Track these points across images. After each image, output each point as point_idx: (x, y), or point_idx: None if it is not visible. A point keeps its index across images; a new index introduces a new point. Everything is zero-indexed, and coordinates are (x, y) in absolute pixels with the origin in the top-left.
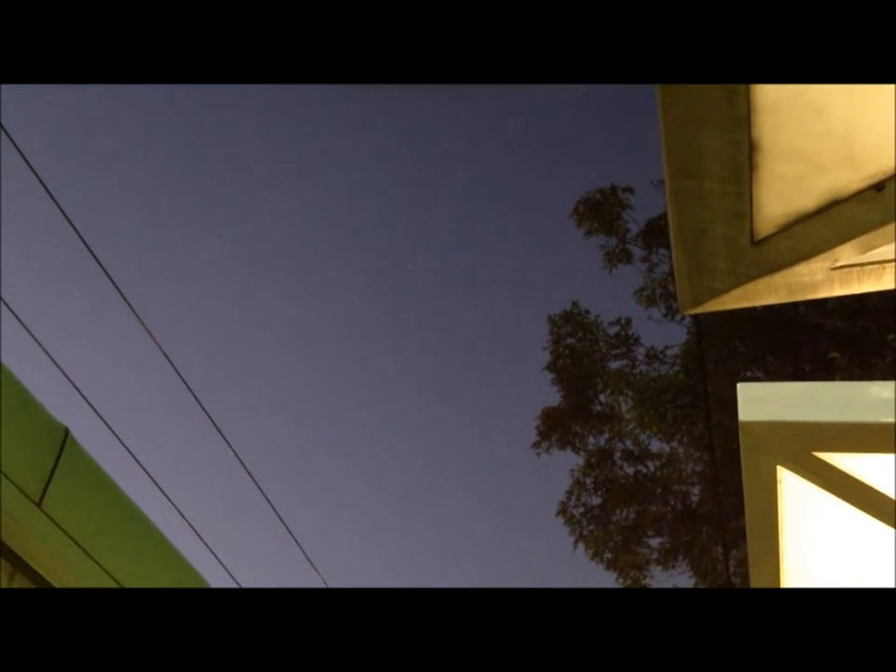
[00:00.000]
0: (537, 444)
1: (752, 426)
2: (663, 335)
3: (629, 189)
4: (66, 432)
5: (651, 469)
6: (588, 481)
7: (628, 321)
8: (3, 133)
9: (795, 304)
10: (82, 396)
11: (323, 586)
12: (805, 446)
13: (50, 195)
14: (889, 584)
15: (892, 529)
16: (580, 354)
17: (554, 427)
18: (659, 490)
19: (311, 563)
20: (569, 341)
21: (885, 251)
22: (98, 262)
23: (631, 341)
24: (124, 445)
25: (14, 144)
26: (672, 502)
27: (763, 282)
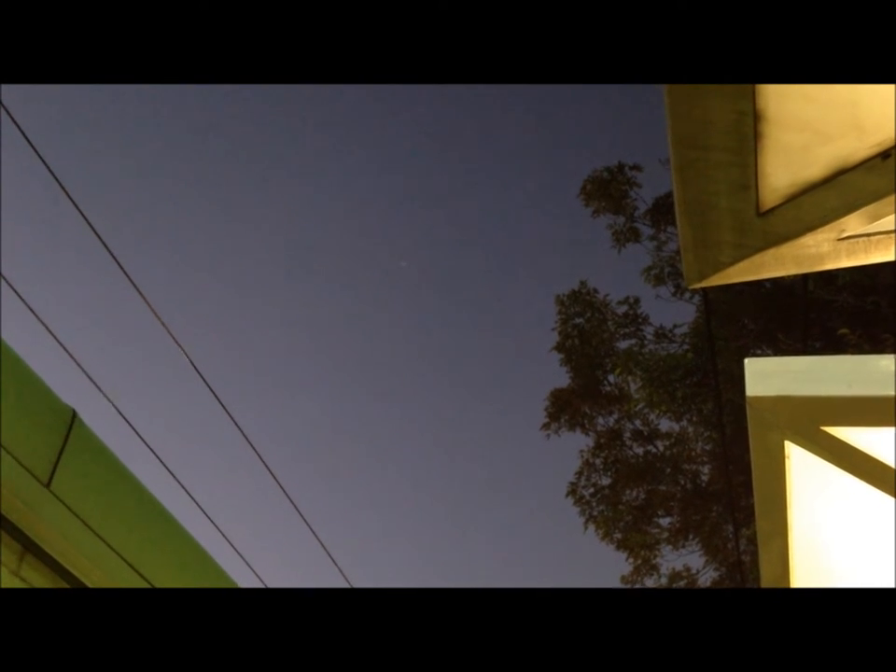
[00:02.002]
0: (546, 426)
1: (760, 400)
2: (671, 314)
3: (637, 167)
4: (73, 414)
5: (661, 448)
6: (598, 461)
7: (636, 300)
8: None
9: (805, 280)
10: (90, 379)
11: (325, 555)
12: (812, 420)
13: (58, 182)
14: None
15: None
16: (588, 334)
17: (563, 408)
18: (669, 469)
19: (317, 538)
20: (578, 321)
21: (892, 221)
22: (105, 245)
23: (640, 320)
24: (134, 430)
25: (14, 121)
26: (682, 481)
27: (770, 254)
